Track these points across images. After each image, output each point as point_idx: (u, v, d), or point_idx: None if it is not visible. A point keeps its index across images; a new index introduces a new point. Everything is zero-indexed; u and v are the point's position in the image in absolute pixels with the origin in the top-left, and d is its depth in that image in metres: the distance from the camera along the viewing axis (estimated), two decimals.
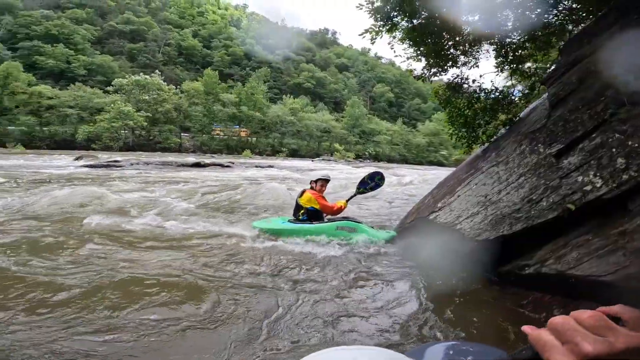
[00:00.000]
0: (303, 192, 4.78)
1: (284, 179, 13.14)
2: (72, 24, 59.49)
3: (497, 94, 4.20)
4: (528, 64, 4.06)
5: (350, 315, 2.47)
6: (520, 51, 3.79)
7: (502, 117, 4.81)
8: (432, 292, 3.01)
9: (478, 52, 3.93)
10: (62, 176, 10.61)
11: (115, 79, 44.35)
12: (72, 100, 41.66)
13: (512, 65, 3.94)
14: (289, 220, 4.71)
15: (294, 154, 51.13)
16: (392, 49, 3.92)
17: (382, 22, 3.71)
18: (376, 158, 57.98)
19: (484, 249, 3.18)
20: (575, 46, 3.36)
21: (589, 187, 2.41)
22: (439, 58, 3.79)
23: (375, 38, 3.84)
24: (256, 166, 20.75)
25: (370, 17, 3.74)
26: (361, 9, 3.66)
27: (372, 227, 4.69)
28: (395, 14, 3.62)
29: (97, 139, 37.84)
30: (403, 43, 3.81)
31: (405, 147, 64.94)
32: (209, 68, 56.55)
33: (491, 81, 4.30)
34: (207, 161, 19.89)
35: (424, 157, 63.08)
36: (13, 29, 53.75)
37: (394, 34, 3.79)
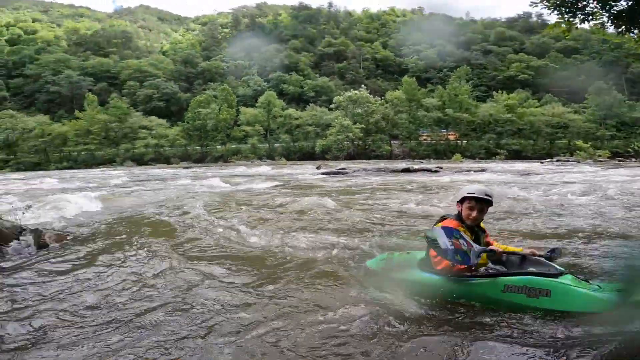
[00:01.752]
0: (443, 218, 2.80)
1: (500, 184, 11.66)
2: (294, 53, 76.14)
3: None
4: None
5: None
6: None
7: None
8: None
9: None
10: (309, 182, 14.18)
11: (335, 97, 52.73)
12: (310, 118, 53.56)
13: None
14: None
15: (516, 155, 43.83)
16: (604, 35, 3.03)
17: (571, 14, 2.96)
18: None
19: None
20: None
21: None
22: None
23: (569, 32, 3.09)
24: (467, 170, 19.54)
25: (552, 12, 3.05)
26: (536, 6, 3.05)
27: (585, 282, 2.28)
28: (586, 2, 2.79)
29: (328, 150, 46.64)
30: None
31: None
32: (406, 75, 57.46)
33: None
34: (416, 167, 20.63)
35: None
36: (261, 63, 73.17)
37: (599, 21, 2.92)
